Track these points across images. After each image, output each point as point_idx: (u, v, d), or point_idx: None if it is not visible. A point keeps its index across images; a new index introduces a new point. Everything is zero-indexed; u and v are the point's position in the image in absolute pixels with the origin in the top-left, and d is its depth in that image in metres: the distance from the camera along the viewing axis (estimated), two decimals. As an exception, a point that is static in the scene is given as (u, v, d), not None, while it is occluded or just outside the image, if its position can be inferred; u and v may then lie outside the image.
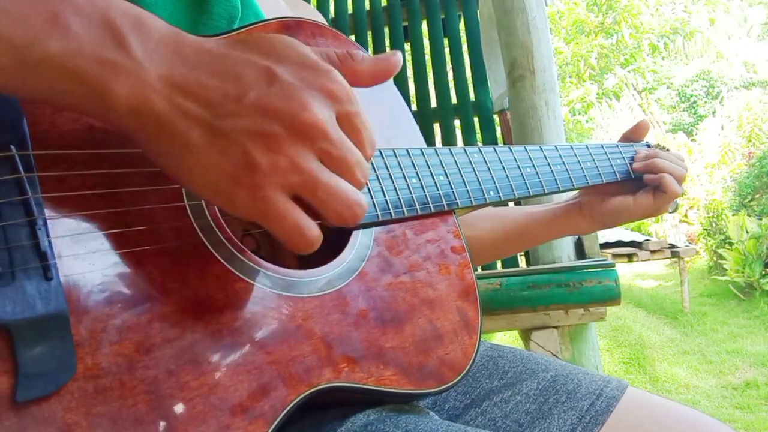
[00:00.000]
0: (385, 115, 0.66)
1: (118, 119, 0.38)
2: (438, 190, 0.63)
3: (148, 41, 0.38)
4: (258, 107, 0.39)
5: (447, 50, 2.18)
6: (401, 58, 0.50)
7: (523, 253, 1.85)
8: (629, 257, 6.02)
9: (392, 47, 2.17)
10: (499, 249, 0.97)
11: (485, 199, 0.67)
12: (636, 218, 0.89)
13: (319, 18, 0.89)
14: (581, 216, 0.90)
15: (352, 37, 2.20)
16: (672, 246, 6.53)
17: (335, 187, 0.41)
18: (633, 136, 0.95)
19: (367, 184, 0.57)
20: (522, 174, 0.73)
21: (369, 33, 2.22)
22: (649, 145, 0.94)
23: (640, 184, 0.88)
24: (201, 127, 0.38)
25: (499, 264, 1.88)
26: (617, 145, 0.89)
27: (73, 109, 0.39)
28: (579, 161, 0.81)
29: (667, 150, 0.92)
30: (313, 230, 0.41)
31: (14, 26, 0.34)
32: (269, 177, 0.38)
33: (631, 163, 0.88)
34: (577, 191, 0.92)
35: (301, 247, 0.41)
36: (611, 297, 1.29)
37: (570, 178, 0.79)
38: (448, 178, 0.65)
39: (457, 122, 2.09)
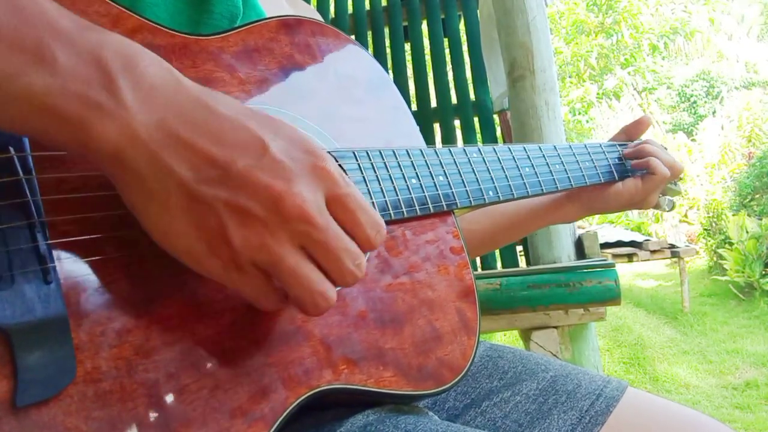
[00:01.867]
0: (386, 115, 0.66)
1: (98, 162, 0.37)
2: (437, 191, 0.63)
3: (139, 85, 0.36)
4: (242, 180, 0.37)
5: (447, 50, 2.18)
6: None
7: (523, 253, 1.85)
8: (629, 257, 6.01)
9: (392, 47, 2.17)
10: (489, 241, 0.97)
11: (484, 199, 0.67)
12: (625, 205, 0.89)
13: (318, 17, 0.90)
14: (570, 203, 0.90)
15: (352, 38, 2.20)
16: (672, 246, 6.53)
17: (300, 275, 0.39)
18: (632, 131, 0.95)
19: (366, 185, 0.57)
20: (521, 174, 0.73)
21: (369, 33, 2.22)
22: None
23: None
24: (181, 190, 0.37)
25: (499, 264, 1.89)
26: (615, 144, 0.90)
27: (50, 146, 0.37)
28: (577, 160, 0.81)
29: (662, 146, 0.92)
30: (276, 302, 0.41)
31: None
32: (239, 252, 0.38)
33: (626, 161, 0.88)
34: None
35: (269, 311, 0.43)
36: (611, 297, 1.29)
37: (568, 177, 0.79)
38: (447, 178, 0.65)
39: (457, 122, 2.08)
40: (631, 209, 0.96)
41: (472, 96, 2.07)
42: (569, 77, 12.31)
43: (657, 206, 0.91)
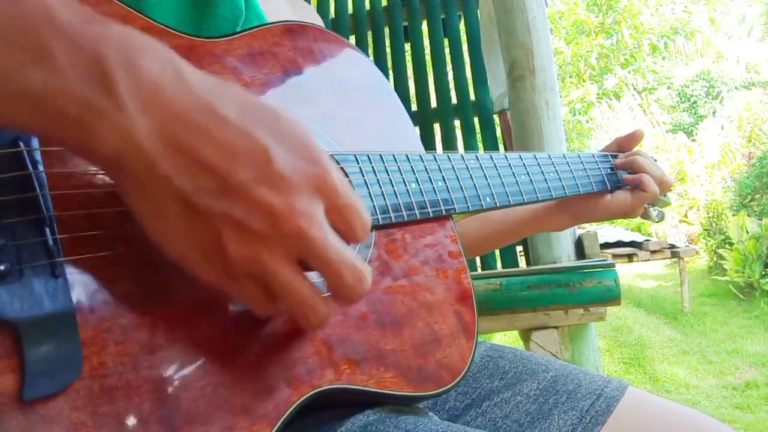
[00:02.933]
0: (386, 120, 0.67)
1: (98, 163, 0.37)
2: (436, 195, 0.64)
3: (140, 86, 0.35)
4: (242, 194, 0.37)
5: (447, 50, 2.18)
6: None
7: (523, 253, 1.85)
8: (629, 257, 6.02)
9: (392, 47, 2.17)
10: (478, 246, 0.98)
11: (482, 205, 0.68)
12: (613, 215, 0.90)
13: (316, 18, 0.90)
14: (558, 212, 0.91)
15: (352, 38, 2.20)
16: (672, 246, 6.53)
17: (292, 289, 0.39)
18: (625, 143, 0.96)
19: (368, 188, 0.58)
20: (517, 181, 0.74)
21: (369, 33, 2.22)
22: None
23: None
24: (179, 199, 0.36)
25: (499, 264, 1.89)
26: (607, 155, 0.91)
27: (52, 143, 0.37)
28: (571, 170, 0.83)
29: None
30: (269, 311, 0.41)
31: None
32: (234, 264, 0.38)
33: (617, 172, 0.90)
34: None
35: (263, 317, 0.44)
36: (611, 297, 1.29)
37: (563, 186, 0.81)
38: (446, 183, 0.65)
39: (457, 122, 2.08)
40: (619, 218, 0.97)
41: (472, 96, 2.07)
42: (569, 77, 12.31)
43: (647, 216, 0.93)
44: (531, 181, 0.76)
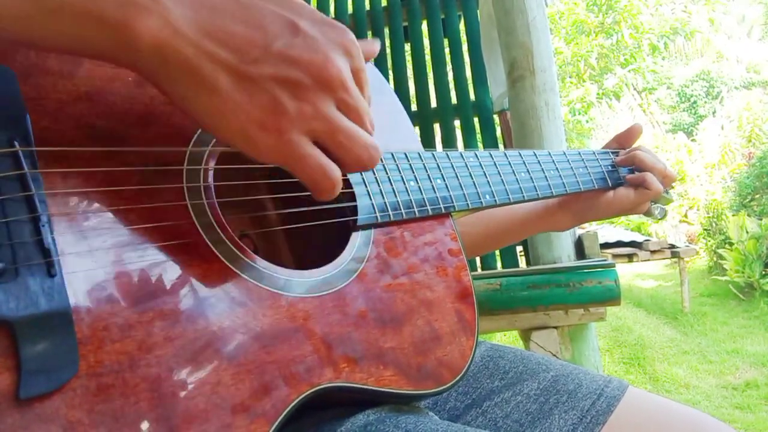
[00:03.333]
0: (384, 119, 0.67)
1: (141, 61, 0.38)
2: (435, 193, 0.63)
3: None
4: (284, 56, 0.40)
5: (447, 50, 2.18)
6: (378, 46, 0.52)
7: (523, 253, 1.85)
8: (629, 257, 6.02)
9: (392, 47, 2.17)
10: (481, 245, 0.98)
11: (481, 202, 0.68)
12: (616, 213, 0.90)
13: None
14: (561, 212, 0.91)
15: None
16: (672, 246, 6.53)
17: (354, 133, 0.43)
18: (624, 139, 0.95)
19: (366, 187, 0.58)
20: (517, 179, 0.74)
21: (369, 33, 2.22)
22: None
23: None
24: (228, 71, 0.38)
25: (499, 264, 1.88)
26: (608, 152, 0.91)
27: (94, 55, 0.39)
28: (571, 167, 0.83)
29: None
30: (335, 171, 0.43)
31: None
32: (295, 122, 0.40)
33: (618, 169, 0.90)
34: None
35: (325, 188, 0.43)
36: (611, 297, 1.29)
37: (563, 183, 0.80)
38: (445, 181, 0.65)
39: (457, 122, 2.08)
40: (622, 216, 0.97)
41: (472, 96, 2.07)
42: (569, 77, 12.31)
43: (648, 214, 0.92)
44: (531, 178, 0.76)
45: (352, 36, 0.44)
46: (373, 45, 0.51)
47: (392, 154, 0.62)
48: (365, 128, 0.44)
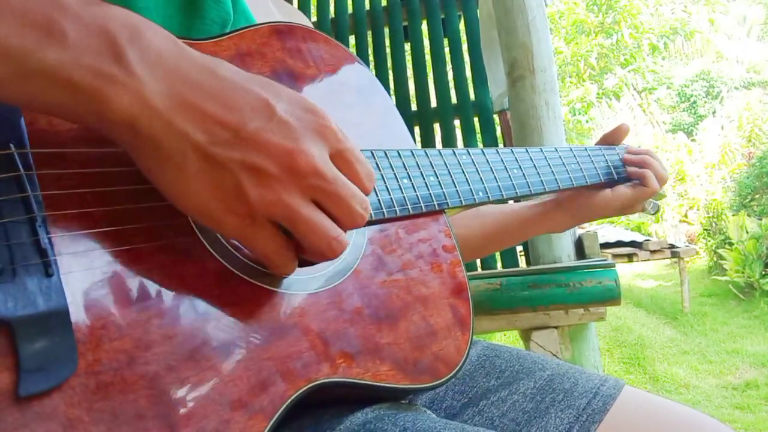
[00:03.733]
0: (376, 117, 0.67)
1: (114, 132, 0.38)
2: (429, 191, 0.64)
3: (147, 55, 0.38)
4: (254, 141, 0.40)
5: (447, 50, 2.18)
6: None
7: (523, 253, 1.85)
8: (629, 257, 6.02)
9: (392, 47, 2.17)
10: (480, 247, 0.98)
11: (474, 199, 0.69)
12: (614, 212, 0.91)
13: (302, 17, 0.90)
14: (559, 212, 0.92)
15: (352, 38, 2.20)
16: (672, 246, 6.53)
17: (314, 223, 0.42)
18: (612, 138, 0.96)
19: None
20: (509, 176, 0.74)
21: (369, 33, 2.22)
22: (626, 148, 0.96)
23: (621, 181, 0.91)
24: (196, 151, 0.39)
25: (499, 264, 1.89)
26: (600, 148, 0.92)
27: (69, 119, 0.40)
28: (564, 163, 0.83)
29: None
30: (289, 257, 0.44)
31: (10, 36, 0.34)
32: (256, 208, 0.40)
33: (613, 166, 0.90)
34: None
35: (278, 271, 0.45)
36: (611, 297, 1.29)
37: (555, 179, 0.81)
38: (438, 178, 0.66)
39: (457, 122, 2.08)
40: (619, 215, 0.98)
41: (472, 96, 2.07)
42: (569, 77, 12.31)
43: (642, 209, 0.93)
44: (523, 174, 0.76)
45: (330, 121, 0.44)
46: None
47: (385, 153, 0.62)
48: (351, 212, 0.44)
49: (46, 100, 0.36)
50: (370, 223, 0.58)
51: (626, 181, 0.91)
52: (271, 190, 0.40)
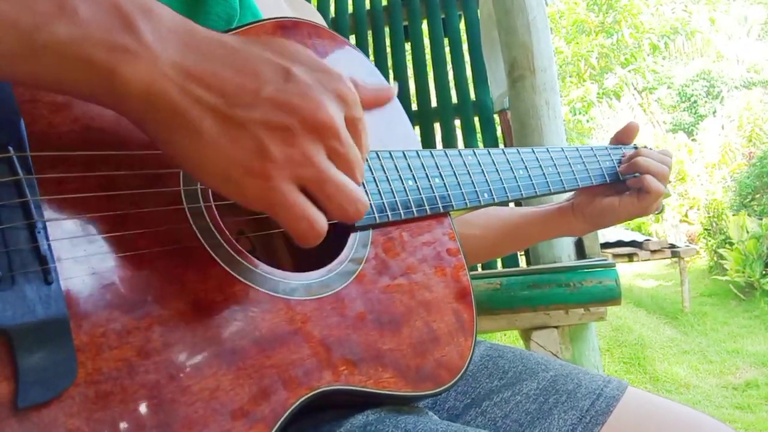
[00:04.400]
0: (382, 118, 0.67)
1: (128, 105, 0.38)
2: (433, 192, 0.63)
3: (158, 27, 0.37)
4: (275, 101, 0.39)
5: (447, 50, 2.17)
6: (395, 91, 0.51)
7: (523, 253, 1.85)
8: (629, 257, 6.02)
9: (392, 47, 2.16)
10: (494, 248, 0.98)
11: (479, 201, 0.68)
12: (623, 219, 0.91)
13: (319, 19, 0.90)
14: (574, 217, 0.92)
15: (353, 37, 2.20)
16: (672, 246, 6.53)
17: (342, 183, 0.41)
18: (623, 137, 0.96)
19: (364, 186, 0.57)
20: (515, 176, 0.74)
21: (369, 33, 2.22)
22: (636, 147, 0.95)
23: (630, 184, 0.90)
24: (214, 115, 0.38)
25: (499, 264, 1.88)
26: (606, 148, 0.91)
27: (81, 96, 0.39)
28: (570, 163, 0.83)
29: (651, 149, 0.93)
30: (321, 221, 0.42)
31: (21, 11, 0.34)
32: (282, 168, 0.39)
33: (619, 165, 0.90)
34: (573, 192, 0.93)
35: (308, 237, 0.42)
36: (611, 297, 1.29)
37: (561, 180, 0.80)
38: (443, 180, 0.65)
39: (457, 122, 2.08)
40: (634, 219, 0.97)
41: (473, 96, 2.07)
42: (569, 77, 12.30)
43: (656, 210, 0.93)
44: (529, 176, 0.76)
45: (349, 83, 0.43)
46: (387, 91, 0.50)
47: (390, 154, 0.62)
48: (355, 179, 0.43)
49: (58, 76, 0.36)
50: (375, 226, 0.58)
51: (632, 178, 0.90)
52: (297, 148, 0.39)
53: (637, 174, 0.88)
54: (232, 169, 0.39)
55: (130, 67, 0.36)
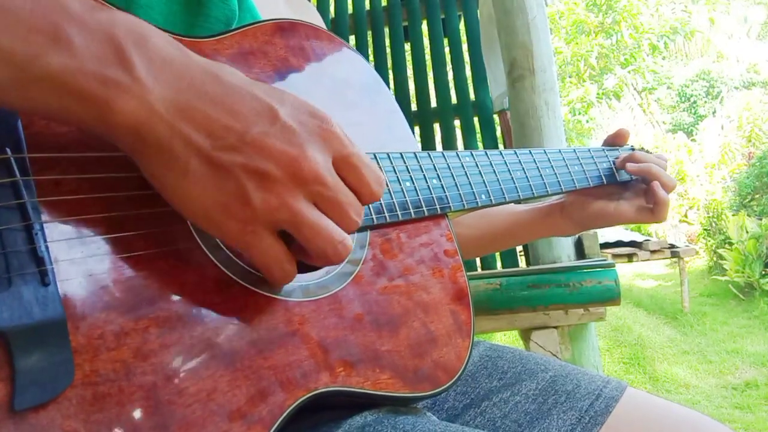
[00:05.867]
0: (380, 119, 0.67)
1: (119, 137, 0.38)
2: (431, 194, 0.63)
3: (152, 60, 0.38)
4: (258, 145, 0.40)
5: (447, 50, 2.18)
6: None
7: (523, 253, 1.85)
8: (629, 257, 6.01)
9: (392, 47, 2.16)
10: (483, 247, 0.98)
11: (477, 202, 0.68)
12: (615, 224, 0.90)
13: (319, 18, 0.89)
14: (562, 218, 0.91)
15: (352, 38, 2.20)
16: (672, 246, 6.52)
17: (321, 226, 0.42)
18: (613, 143, 0.95)
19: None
20: (512, 178, 0.74)
21: (369, 33, 2.22)
22: (633, 149, 0.94)
23: (625, 187, 0.89)
24: (200, 155, 0.39)
25: (499, 264, 1.88)
26: (603, 149, 0.91)
27: (73, 125, 0.39)
28: (567, 165, 0.83)
29: (649, 152, 0.92)
30: (289, 266, 0.43)
31: (15, 40, 0.34)
32: (259, 213, 0.40)
33: (614, 165, 0.89)
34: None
35: (276, 280, 0.44)
36: (611, 297, 1.29)
37: (558, 181, 0.80)
38: (441, 181, 0.65)
39: (457, 122, 2.08)
40: (626, 224, 0.97)
41: (472, 96, 2.07)
42: (569, 77, 12.30)
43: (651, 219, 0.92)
44: (526, 177, 0.76)
45: (334, 124, 0.44)
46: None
47: (388, 155, 0.62)
48: (347, 218, 0.44)
49: (51, 105, 0.36)
50: (372, 227, 0.58)
51: (629, 182, 0.90)
52: (275, 194, 0.40)
53: (635, 178, 0.88)
54: (214, 210, 0.40)
55: (121, 101, 0.37)
